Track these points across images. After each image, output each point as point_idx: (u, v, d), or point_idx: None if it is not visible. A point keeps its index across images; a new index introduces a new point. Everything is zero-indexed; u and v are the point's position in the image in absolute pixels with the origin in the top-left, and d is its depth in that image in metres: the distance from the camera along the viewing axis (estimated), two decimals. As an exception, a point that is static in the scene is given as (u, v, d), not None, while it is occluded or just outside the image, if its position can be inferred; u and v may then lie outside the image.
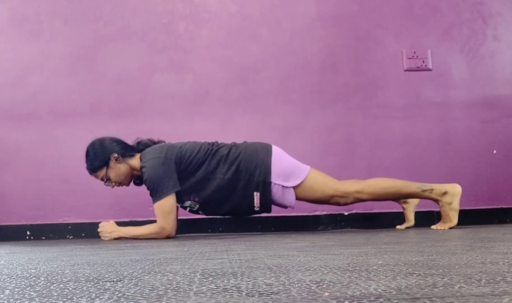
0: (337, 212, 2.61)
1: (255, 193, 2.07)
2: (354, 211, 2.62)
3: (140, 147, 2.18)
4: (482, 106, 2.77)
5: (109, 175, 2.12)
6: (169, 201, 2.00)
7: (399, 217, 2.37)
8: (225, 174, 2.06)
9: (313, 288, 0.54)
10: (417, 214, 2.32)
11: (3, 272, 0.83)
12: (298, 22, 2.77)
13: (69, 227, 2.54)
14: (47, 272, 0.81)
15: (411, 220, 2.28)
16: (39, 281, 0.69)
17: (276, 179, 2.07)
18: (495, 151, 2.74)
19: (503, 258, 0.79)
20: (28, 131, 2.61)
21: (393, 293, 0.49)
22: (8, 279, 0.73)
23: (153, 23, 2.73)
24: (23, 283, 0.68)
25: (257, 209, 2.11)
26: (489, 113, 2.76)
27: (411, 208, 2.28)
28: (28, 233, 2.53)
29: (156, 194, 2.00)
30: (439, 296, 0.46)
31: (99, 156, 2.11)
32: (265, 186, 2.06)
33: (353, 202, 2.14)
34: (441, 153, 2.71)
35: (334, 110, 2.71)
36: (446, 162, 2.70)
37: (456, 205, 2.01)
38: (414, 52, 2.76)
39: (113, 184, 2.15)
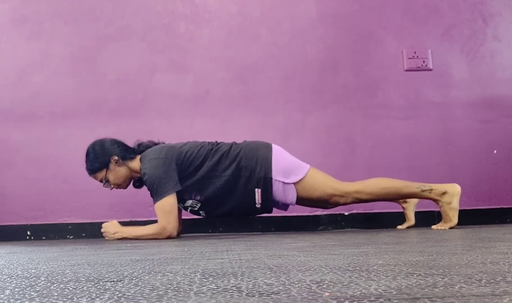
0: (337, 212, 2.61)
1: (256, 189, 2.07)
2: (354, 211, 2.63)
3: (140, 149, 2.17)
4: (482, 106, 2.77)
5: (108, 177, 2.12)
6: (170, 200, 2.00)
7: (400, 217, 2.36)
8: (226, 171, 2.07)
9: (313, 288, 0.54)
10: (417, 214, 2.31)
11: (3, 272, 0.83)
12: (298, 22, 2.77)
13: (70, 227, 2.55)
14: (48, 272, 0.81)
15: (411, 219, 2.29)
16: (40, 281, 0.69)
17: (276, 175, 2.07)
18: (495, 151, 2.74)
19: (504, 258, 0.79)
20: (28, 131, 2.61)
21: (393, 293, 0.49)
22: (9, 279, 0.73)
23: (154, 23, 2.73)
24: (24, 283, 0.68)
25: (259, 206, 2.10)
26: (489, 113, 2.76)
27: (411, 207, 2.28)
28: (28, 233, 2.53)
29: (156, 194, 2.00)
30: (439, 296, 0.46)
31: (99, 158, 2.11)
32: (266, 182, 2.06)
33: (352, 202, 2.16)
34: (441, 153, 2.71)
35: (335, 110, 2.71)
36: (446, 162, 2.70)
37: (455, 204, 2.02)
38: (415, 52, 2.76)
39: (112, 186, 2.15)
